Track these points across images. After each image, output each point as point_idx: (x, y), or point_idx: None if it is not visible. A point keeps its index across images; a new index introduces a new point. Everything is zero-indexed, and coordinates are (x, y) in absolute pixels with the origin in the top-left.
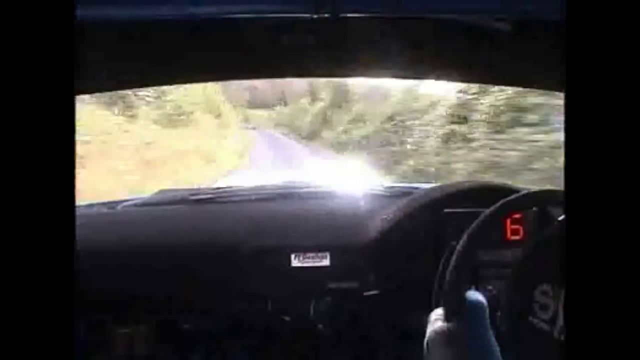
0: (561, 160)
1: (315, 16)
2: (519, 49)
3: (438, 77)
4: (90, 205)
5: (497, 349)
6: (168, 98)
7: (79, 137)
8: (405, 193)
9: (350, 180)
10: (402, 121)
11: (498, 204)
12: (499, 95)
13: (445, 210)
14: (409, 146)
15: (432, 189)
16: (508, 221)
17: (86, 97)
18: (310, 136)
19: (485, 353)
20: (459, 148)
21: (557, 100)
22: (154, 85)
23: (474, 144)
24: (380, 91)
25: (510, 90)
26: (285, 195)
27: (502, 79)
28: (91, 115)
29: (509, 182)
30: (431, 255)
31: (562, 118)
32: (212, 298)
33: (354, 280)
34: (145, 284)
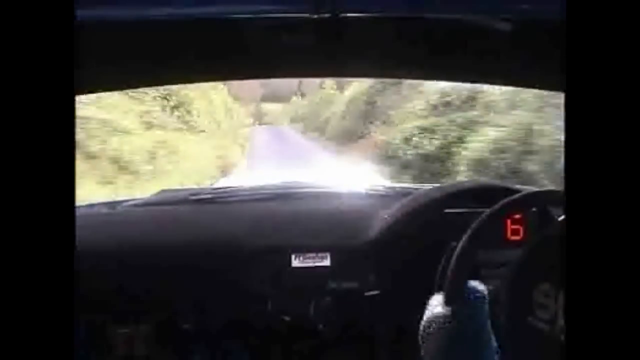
0: None
1: (315, 16)
2: (519, 49)
3: (438, 77)
4: (90, 205)
5: (492, 337)
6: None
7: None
8: (405, 193)
9: (351, 181)
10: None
11: (498, 204)
12: None
13: (445, 210)
14: None
15: (432, 189)
16: (508, 221)
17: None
18: (342, 139)
19: (480, 339)
20: None
21: None
22: (154, 85)
23: None
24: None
25: None
26: (285, 195)
27: (502, 79)
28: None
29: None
30: (431, 255)
31: None
32: (212, 298)
33: (354, 280)
34: (145, 284)
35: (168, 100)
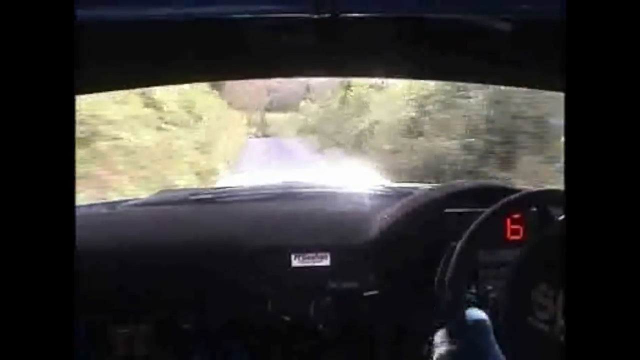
0: None
1: (315, 16)
2: (519, 49)
3: (438, 77)
4: (90, 205)
5: (501, 358)
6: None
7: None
8: (405, 193)
9: (350, 181)
10: None
11: (498, 204)
12: None
13: (445, 210)
14: None
15: (432, 189)
16: (508, 221)
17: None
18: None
19: None
20: None
21: None
22: (154, 85)
23: None
24: None
25: None
26: (285, 195)
27: (502, 79)
28: None
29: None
30: (431, 255)
31: None
32: (212, 298)
33: (354, 280)
34: (145, 284)
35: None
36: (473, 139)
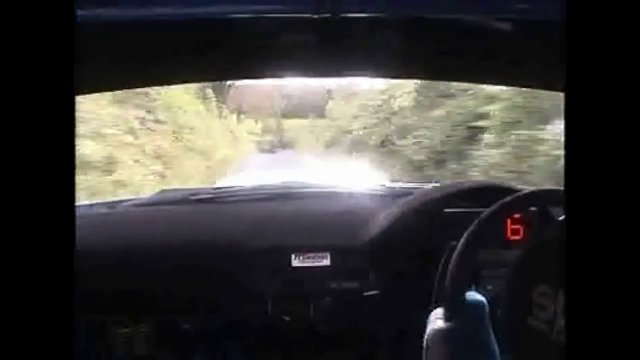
0: None
1: (315, 16)
2: (519, 49)
3: (438, 77)
4: (90, 205)
5: (496, 348)
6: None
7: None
8: (405, 193)
9: (350, 180)
10: None
11: (498, 204)
12: None
13: (445, 210)
14: None
15: (432, 189)
16: (508, 221)
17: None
18: None
19: (483, 350)
20: None
21: None
22: (154, 85)
23: None
24: None
25: None
26: (285, 195)
27: (502, 79)
28: None
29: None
30: (431, 255)
31: None
32: (212, 298)
33: (354, 280)
34: (145, 284)
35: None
36: None
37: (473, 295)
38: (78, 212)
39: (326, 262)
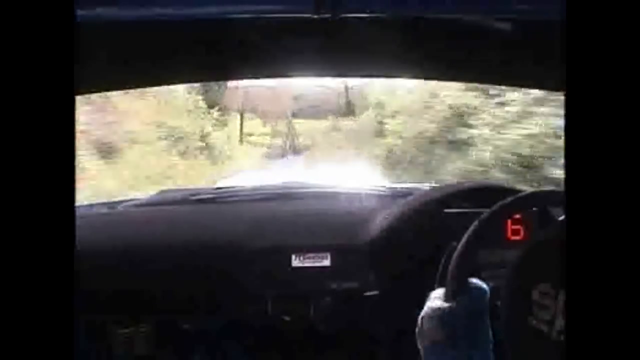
0: None
1: (315, 16)
2: (519, 49)
3: (438, 77)
4: (90, 205)
5: (490, 333)
6: None
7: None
8: (405, 193)
9: (350, 181)
10: None
11: (498, 204)
12: None
13: (445, 210)
14: None
15: (432, 189)
16: (508, 221)
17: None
18: None
19: (478, 333)
20: None
21: None
22: (154, 85)
23: None
24: None
25: None
26: (285, 195)
27: (502, 79)
28: None
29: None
30: (431, 255)
31: None
32: (212, 298)
33: (354, 280)
34: (145, 284)
35: None
36: None
37: (475, 280)
38: (78, 212)
39: (326, 262)
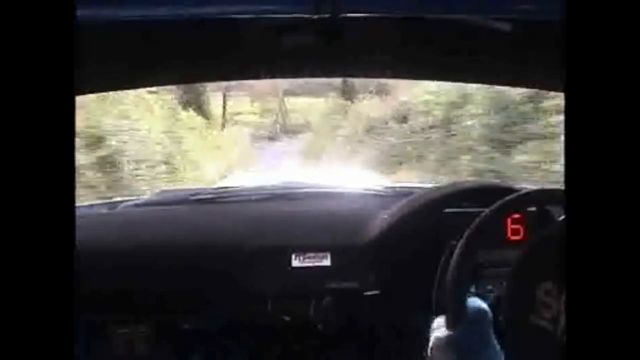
0: None
1: (315, 16)
2: (519, 49)
3: (438, 77)
4: (90, 206)
5: (498, 351)
6: None
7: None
8: (405, 193)
9: (350, 180)
10: None
11: (498, 204)
12: None
13: (445, 210)
14: None
15: (432, 189)
16: (508, 221)
17: None
18: None
19: (486, 356)
20: None
21: None
22: (154, 85)
23: None
24: None
25: None
26: (285, 195)
27: (502, 79)
28: None
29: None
30: (431, 255)
31: None
32: (212, 298)
33: (354, 280)
34: (145, 284)
35: None
36: None
37: (475, 301)
38: (78, 212)
39: (326, 262)
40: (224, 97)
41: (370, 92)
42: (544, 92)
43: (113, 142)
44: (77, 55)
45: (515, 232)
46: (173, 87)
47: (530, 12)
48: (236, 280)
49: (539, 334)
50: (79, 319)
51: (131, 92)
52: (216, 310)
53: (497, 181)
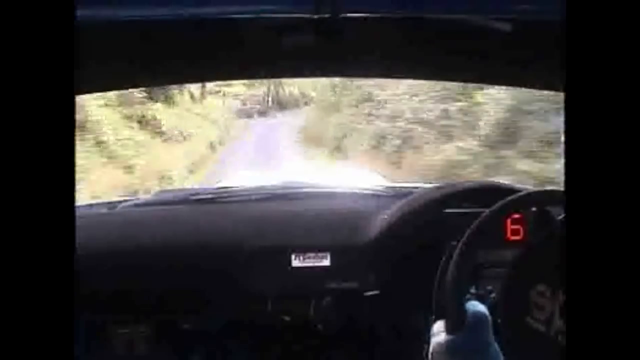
0: None
1: (315, 16)
2: (519, 49)
3: (438, 77)
4: (90, 205)
5: (499, 354)
6: None
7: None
8: (405, 193)
9: (350, 180)
10: None
11: (498, 204)
12: None
13: (445, 210)
14: None
15: (432, 189)
16: (508, 221)
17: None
18: None
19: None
20: None
21: None
22: (154, 85)
23: None
24: None
25: None
26: (285, 195)
27: (502, 79)
28: None
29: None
30: (431, 255)
31: None
32: (212, 298)
33: (354, 280)
34: (145, 284)
35: None
36: None
37: (475, 305)
38: (78, 212)
39: (326, 262)
40: None
41: None
42: None
43: None
44: (77, 55)
45: (515, 232)
46: None
47: (530, 12)
48: (236, 280)
49: (534, 336)
50: (79, 319)
51: None
52: (216, 310)
53: (497, 181)
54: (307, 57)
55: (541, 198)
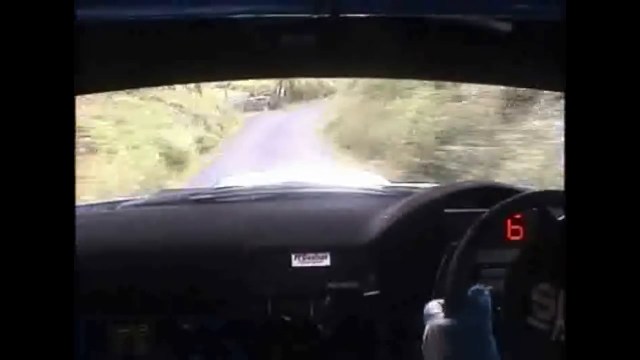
0: None
1: (315, 16)
2: (519, 49)
3: (438, 77)
4: (90, 205)
5: (494, 344)
6: None
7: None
8: (405, 193)
9: (350, 180)
10: None
11: (498, 204)
12: None
13: (445, 210)
14: None
15: (432, 189)
16: (508, 221)
17: None
18: None
19: (483, 347)
20: None
21: None
22: (154, 85)
23: None
24: None
25: None
26: (285, 195)
27: (502, 79)
28: None
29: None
30: (431, 255)
31: None
32: (212, 298)
33: (354, 280)
34: (145, 284)
35: None
36: None
37: (477, 287)
38: (78, 212)
39: (326, 262)
40: None
41: None
42: None
43: None
44: (77, 55)
45: (515, 232)
46: None
47: (530, 12)
48: (236, 280)
49: (536, 335)
50: (79, 319)
51: None
52: (216, 310)
53: (497, 181)
54: (307, 57)
55: (541, 199)
